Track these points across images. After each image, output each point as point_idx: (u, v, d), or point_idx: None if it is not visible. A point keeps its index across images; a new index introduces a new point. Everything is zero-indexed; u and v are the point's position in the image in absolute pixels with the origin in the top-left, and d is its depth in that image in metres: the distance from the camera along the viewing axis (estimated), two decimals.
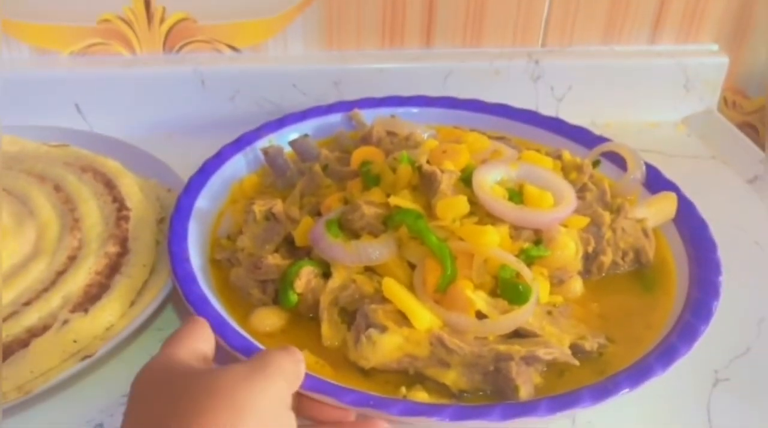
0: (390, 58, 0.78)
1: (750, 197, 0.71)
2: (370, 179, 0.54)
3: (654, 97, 0.82)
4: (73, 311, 0.48)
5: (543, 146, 0.65)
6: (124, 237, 0.55)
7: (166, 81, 0.75)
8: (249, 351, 0.44)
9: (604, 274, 0.55)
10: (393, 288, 0.47)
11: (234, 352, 0.44)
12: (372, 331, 0.46)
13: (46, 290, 0.50)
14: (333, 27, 0.77)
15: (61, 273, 0.51)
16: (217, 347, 0.43)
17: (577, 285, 0.53)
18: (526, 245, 0.50)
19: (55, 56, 0.74)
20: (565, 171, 0.59)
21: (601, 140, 0.66)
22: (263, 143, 0.64)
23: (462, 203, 0.50)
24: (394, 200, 0.51)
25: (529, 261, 0.50)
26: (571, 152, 0.61)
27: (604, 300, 0.53)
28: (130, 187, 0.60)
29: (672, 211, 0.58)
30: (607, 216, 0.55)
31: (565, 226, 0.52)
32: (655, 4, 0.80)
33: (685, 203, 0.59)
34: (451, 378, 0.45)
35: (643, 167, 0.61)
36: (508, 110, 0.70)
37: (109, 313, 0.49)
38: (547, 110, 0.75)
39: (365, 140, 0.63)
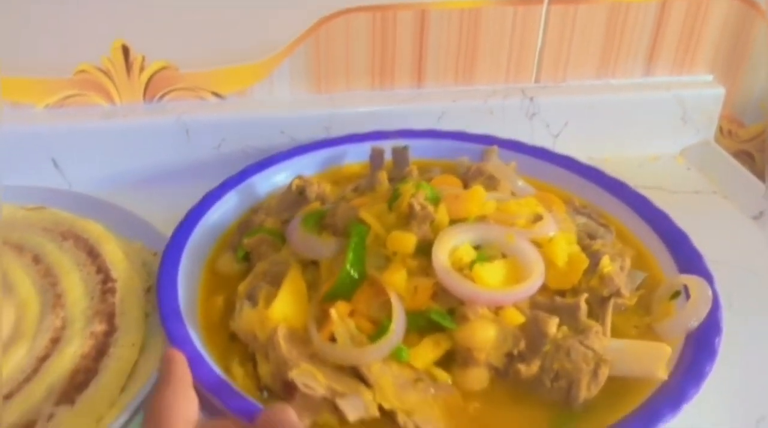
0: (381, 99, 0.76)
1: (756, 235, 0.69)
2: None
3: (651, 130, 0.81)
4: (58, 403, 0.45)
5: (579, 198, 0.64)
6: (111, 313, 0.51)
7: (148, 132, 0.71)
8: None
9: (521, 384, 0.47)
10: (291, 277, 0.50)
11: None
12: (243, 301, 0.50)
13: (28, 379, 0.46)
14: (321, 69, 0.74)
15: (43, 359, 0.47)
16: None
17: (477, 376, 0.47)
18: (431, 306, 0.48)
19: (30, 110, 0.70)
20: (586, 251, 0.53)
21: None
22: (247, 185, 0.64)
23: (408, 242, 0.49)
24: (363, 213, 0.52)
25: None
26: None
27: (500, 408, 0.46)
28: (115, 254, 0.56)
29: (657, 369, 0.46)
30: (554, 326, 0.47)
31: (497, 312, 0.48)
32: (648, 37, 0.78)
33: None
34: (263, 369, 0.47)
35: (702, 316, 0.49)
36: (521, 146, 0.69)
37: (98, 403, 0.45)
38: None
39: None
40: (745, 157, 0.90)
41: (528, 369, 0.46)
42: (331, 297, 0.49)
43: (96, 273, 0.54)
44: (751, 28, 0.79)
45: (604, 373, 0.46)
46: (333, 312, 0.47)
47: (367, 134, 0.70)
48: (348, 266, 0.49)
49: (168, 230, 0.59)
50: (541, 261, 0.49)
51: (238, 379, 0.47)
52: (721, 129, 0.86)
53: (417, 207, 0.51)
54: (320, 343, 0.46)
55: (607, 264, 0.51)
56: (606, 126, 0.79)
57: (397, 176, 0.62)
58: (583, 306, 0.48)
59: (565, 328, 0.47)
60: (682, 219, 0.60)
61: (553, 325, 0.46)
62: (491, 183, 0.60)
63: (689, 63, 0.81)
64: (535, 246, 0.51)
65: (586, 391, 0.45)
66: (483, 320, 0.46)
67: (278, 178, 0.66)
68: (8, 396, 0.45)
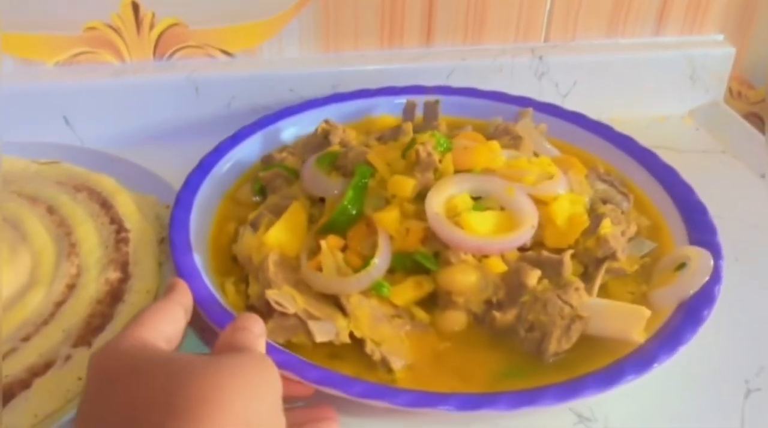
0: (390, 58, 0.76)
1: (765, 192, 0.69)
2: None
3: (660, 90, 0.81)
4: (75, 345, 0.46)
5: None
6: (125, 261, 0.52)
7: (158, 89, 0.72)
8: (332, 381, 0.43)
9: (496, 331, 0.48)
10: (293, 208, 0.53)
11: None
12: (247, 227, 0.53)
13: (45, 323, 0.47)
14: (330, 28, 0.74)
15: (60, 304, 0.48)
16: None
17: (454, 319, 0.48)
18: (420, 248, 0.49)
19: (40, 67, 0.71)
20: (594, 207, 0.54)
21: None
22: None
23: (407, 186, 0.50)
24: (371, 156, 0.54)
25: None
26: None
27: (470, 350, 0.47)
28: (128, 206, 0.57)
29: (633, 331, 0.46)
30: (534, 278, 0.47)
31: (480, 260, 0.48)
32: None
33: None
34: (252, 290, 0.49)
35: (698, 287, 0.49)
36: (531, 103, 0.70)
37: None
38: None
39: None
40: (755, 119, 0.90)
41: (503, 317, 0.47)
42: (326, 230, 0.51)
43: (110, 224, 0.55)
44: None
45: (578, 329, 0.46)
46: (323, 243, 0.49)
47: (404, 88, 0.71)
48: (345, 202, 0.51)
49: (180, 185, 0.59)
50: (535, 216, 0.49)
51: (229, 296, 0.50)
52: (730, 91, 0.86)
53: (423, 154, 0.51)
54: (306, 270, 0.49)
55: (606, 227, 0.50)
56: (615, 86, 0.79)
57: (425, 129, 0.63)
58: (567, 262, 0.48)
59: (546, 282, 0.48)
60: (690, 177, 0.60)
61: (533, 277, 0.47)
62: (515, 143, 0.61)
63: (699, 22, 0.80)
64: (539, 204, 0.51)
65: (556, 344, 0.46)
66: (465, 265, 0.47)
67: (310, 124, 0.67)
68: (26, 339, 0.46)
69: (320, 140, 0.63)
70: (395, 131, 0.63)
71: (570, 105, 0.76)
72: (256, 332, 0.39)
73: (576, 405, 0.47)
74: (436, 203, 0.49)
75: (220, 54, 0.73)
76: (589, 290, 0.48)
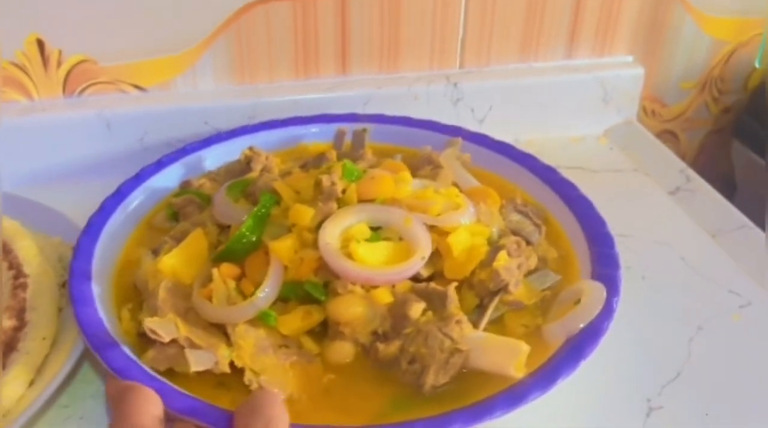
0: (305, 88, 0.76)
1: (673, 209, 0.71)
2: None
3: (574, 111, 0.82)
4: None
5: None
6: (21, 308, 0.51)
7: (68, 127, 0.71)
8: (196, 411, 0.42)
9: (381, 363, 0.48)
10: (194, 235, 0.53)
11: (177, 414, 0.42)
12: (149, 253, 0.54)
13: None
14: (243, 60, 0.74)
15: None
16: None
17: (341, 350, 0.48)
18: (312, 278, 0.49)
19: None
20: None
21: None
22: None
23: (306, 215, 0.51)
24: (277, 184, 0.55)
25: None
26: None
27: (354, 383, 0.47)
28: (29, 249, 0.56)
29: (511, 366, 0.45)
30: (418, 311, 0.47)
31: (368, 290, 0.48)
32: (569, 19, 0.80)
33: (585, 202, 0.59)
34: (143, 316, 0.48)
35: (587, 321, 0.48)
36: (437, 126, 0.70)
37: (5, 397, 0.45)
38: None
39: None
40: (669, 136, 0.93)
41: (386, 349, 0.47)
42: (223, 258, 0.51)
43: (8, 269, 0.53)
44: (666, 8, 0.81)
45: (456, 362, 0.46)
46: (215, 271, 0.49)
47: (338, 116, 0.71)
48: (243, 229, 0.51)
49: None
50: (428, 247, 0.49)
51: (123, 323, 0.50)
52: (644, 109, 0.89)
53: (326, 183, 0.52)
54: (196, 298, 0.49)
55: (500, 259, 0.50)
56: (530, 109, 0.81)
57: (352, 158, 0.63)
58: (452, 294, 0.48)
59: (430, 314, 0.48)
60: (602, 196, 0.61)
61: (417, 309, 0.47)
62: (434, 172, 0.61)
63: (609, 45, 0.83)
64: (442, 235, 0.51)
65: (434, 377, 0.45)
66: (351, 295, 0.47)
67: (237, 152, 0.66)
68: None
69: (243, 166, 0.63)
70: (319, 159, 0.63)
71: (486, 130, 0.77)
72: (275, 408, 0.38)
73: None
74: (329, 233, 0.49)
75: (133, 89, 0.73)
76: (477, 323, 0.48)
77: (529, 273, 0.54)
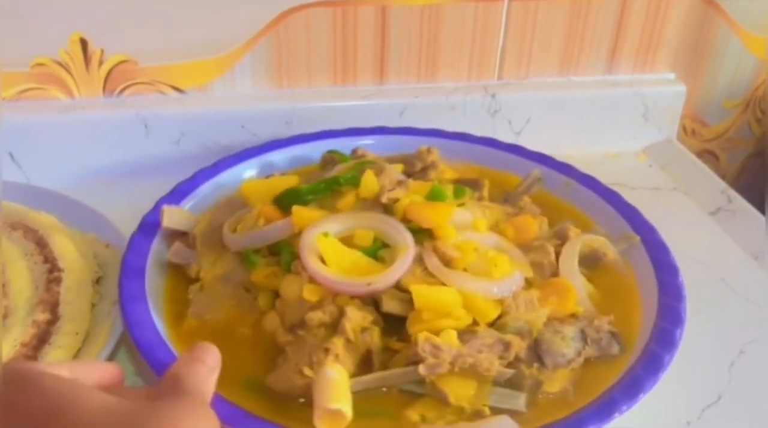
0: (343, 95, 0.76)
1: (714, 230, 0.69)
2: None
3: (613, 127, 0.81)
4: None
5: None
6: (55, 302, 0.51)
7: (107, 126, 0.71)
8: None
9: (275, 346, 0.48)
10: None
11: None
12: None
13: None
14: (282, 65, 0.74)
15: None
16: None
17: (271, 321, 0.49)
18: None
19: None
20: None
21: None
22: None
23: (372, 183, 0.54)
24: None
25: None
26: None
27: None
28: (64, 244, 0.56)
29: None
30: (312, 320, 0.47)
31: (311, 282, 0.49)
32: (610, 35, 0.79)
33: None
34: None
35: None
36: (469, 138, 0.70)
37: None
38: None
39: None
40: (709, 156, 0.91)
41: (282, 336, 0.49)
42: (279, 199, 0.56)
43: (43, 263, 0.54)
44: (710, 26, 0.80)
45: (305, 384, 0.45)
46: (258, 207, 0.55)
47: (396, 129, 0.71)
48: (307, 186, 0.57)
49: (125, 224, 0.58)
50: (390, 279, 0.48)
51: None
52: (684, 128, 0.87)
53: (387, 196, 0.54)
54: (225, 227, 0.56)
55: (444, 335, 0.45)
56: (568, 123, 0.80)
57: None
58: (348, 329, 0.46)
59: (323, 330, 0.47)
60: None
61: (311, 318, 0.47)
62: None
63: (651, 61, 0.81)
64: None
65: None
66: (297, 276, 0.49)
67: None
68: None
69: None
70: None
71: (524, 142, 0.77)
72: (210, 364, 0.38)
73: None
74: (327, 226, 0.50)
75: (171, 90, 0.73)
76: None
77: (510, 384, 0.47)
